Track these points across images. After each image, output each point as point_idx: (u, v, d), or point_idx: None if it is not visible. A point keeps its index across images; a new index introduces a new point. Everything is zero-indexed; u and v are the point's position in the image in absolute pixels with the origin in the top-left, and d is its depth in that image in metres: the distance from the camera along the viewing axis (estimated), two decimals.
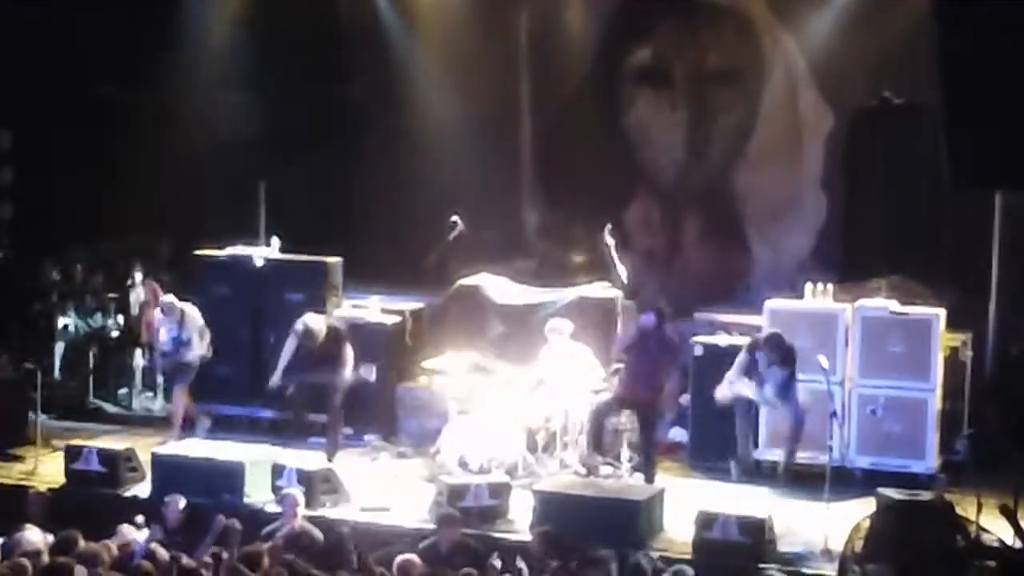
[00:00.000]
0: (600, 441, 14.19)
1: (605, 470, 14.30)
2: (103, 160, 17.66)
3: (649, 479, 14.10)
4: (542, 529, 12.20)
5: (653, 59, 18.46)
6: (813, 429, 13.66)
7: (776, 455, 14.26)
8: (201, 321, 15.66)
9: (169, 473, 13.92)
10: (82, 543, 11.63)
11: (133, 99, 17.51)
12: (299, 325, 14.87)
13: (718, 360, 14.75)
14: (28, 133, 17.57)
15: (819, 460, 13.55)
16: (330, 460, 14.72)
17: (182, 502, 12.79)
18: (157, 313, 16.07)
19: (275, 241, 16.81)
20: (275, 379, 14.93)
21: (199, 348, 15.64)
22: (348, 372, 14.97)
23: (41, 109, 17.45)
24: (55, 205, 17.65)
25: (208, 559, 11.41)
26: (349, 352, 14.98)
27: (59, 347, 17.33)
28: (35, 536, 11.76)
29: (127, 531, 12.18)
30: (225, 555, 11.28)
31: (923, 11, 15.59)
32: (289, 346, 14.97)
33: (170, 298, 15.82)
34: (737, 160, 18.16)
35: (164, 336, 15.66)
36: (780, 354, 13.73)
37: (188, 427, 15.69)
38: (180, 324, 15.57)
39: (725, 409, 14.06)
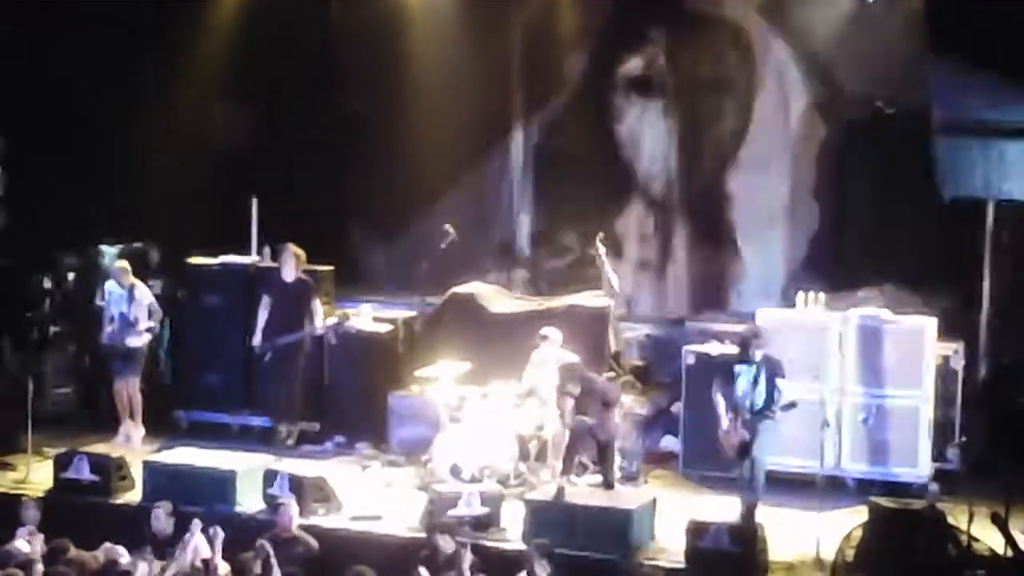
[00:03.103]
0: (570, 466, 14.05)
1: (593, 478, 14.23)
2: (94, 167, 17.63)
3: (608, 487, 13.86)
4: (538, 541, 12.16)
5: (645, 68, 18.43)
6: (805, 437, 13.64)
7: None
8: (151, 299, 15.68)
9: (160, 481, 13.90)
10: (72, 551, 11.62)
11: (126, 107, 17.48)
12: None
13: (710, 369, 14.74)
14: (18, 140, 17.54)
15: (811, 468, 13.56)
16: (288, 439, 14.93)
17: (168, 507, 12.73)
18: (108, 286, 15.85)
19: (267, 250, 16.80)
20: (255, 340, 15.33)
21: (144, 329, 15.58)
22: (319, 323, 15.33)
23: (32, 116, 17.41)
24: (46, 213, 17.61)
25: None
26: (318, 305, 15.40)
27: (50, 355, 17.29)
28: (25, 547, 11.74)
29: (110, 548, 12.15)
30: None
31: (916, 21, 15.64)
32: (262, 311, 15.35)
33: (124, 264, 15.80)
34: (729, 169, 18.15)
35: (113, 311, 15.59)
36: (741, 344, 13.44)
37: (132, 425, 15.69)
38: (129, 299, 15.52)
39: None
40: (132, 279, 15.69)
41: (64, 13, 17.36)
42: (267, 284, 15.62)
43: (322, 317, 15.45)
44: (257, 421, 16.18)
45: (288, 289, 15.41)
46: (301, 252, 15.52)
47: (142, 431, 15.81)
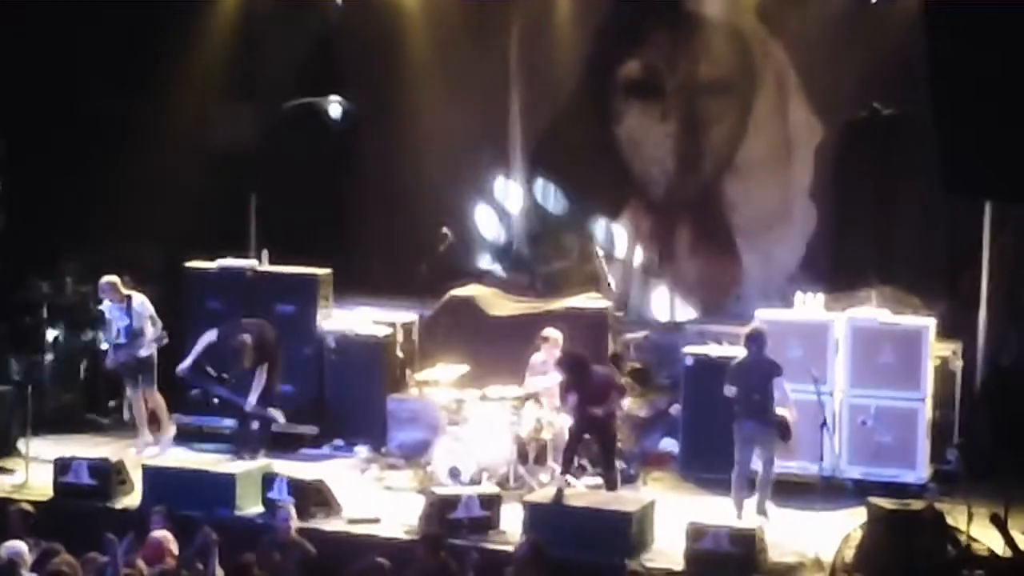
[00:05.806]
0: (569, 466, 14.02)
1: (591, 480, 14.23)
2: (93, 171, 17.60)
3: (611, 487, 13.91)
4: (532, 537, 12.15)
5: (643, 70, 18.42)
6: (804, 439, 13.64)
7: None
8: (151, 310, 15.49)
9: (159, 485, 13.89)
10: (62, 556, 11.51)
11: (124, 110, 17.47)
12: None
13: (708, 370, 14.75)
14: (18, 143, 17.56)
15: (810, 470, 13.55)
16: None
17: (163, 511, 12.70)
18: (106, 302, 15.68)
19: (265, 253, 16.79)
20: (183, 367, 14.87)
21: (152, 338, 15.43)
22: (254, 397, 14.76)
23: (32, 119, 17.42)
24: (44, 217, 17.61)
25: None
26: (262, 377, 14.81)
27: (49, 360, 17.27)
28: (20, 546, 11.70)
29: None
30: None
31: (913, 22, 15.58)
32: (202, 341, 14.92)
33: (112, 279, 15.55)
34: (727, 171, 18.15)
35: (116, 327, 15.47)
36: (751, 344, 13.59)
37: (155, 432, 15.63)
38: (128, 312, 15.39)
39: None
40: (125, 291, 15.48)
41: (63, 15, 17.35)
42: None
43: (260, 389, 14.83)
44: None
45: None
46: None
47: (172, 430, 15.76)
